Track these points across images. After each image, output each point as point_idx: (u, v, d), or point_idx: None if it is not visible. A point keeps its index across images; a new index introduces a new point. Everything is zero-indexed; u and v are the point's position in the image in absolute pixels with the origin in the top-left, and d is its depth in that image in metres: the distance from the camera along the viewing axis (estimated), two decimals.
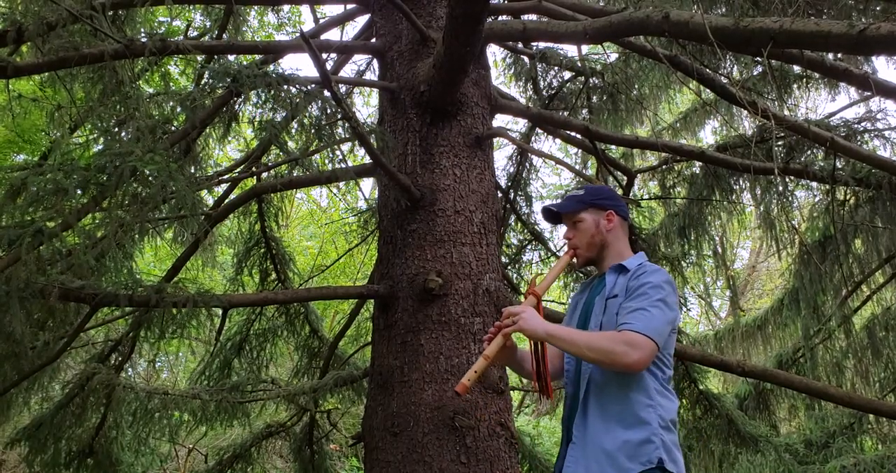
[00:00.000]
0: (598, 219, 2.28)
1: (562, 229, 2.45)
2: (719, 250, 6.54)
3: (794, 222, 5.20)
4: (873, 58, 4.43)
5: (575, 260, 2.33)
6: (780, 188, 4.75)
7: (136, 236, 4.13)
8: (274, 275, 5.31)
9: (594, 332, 2.10)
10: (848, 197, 4.65)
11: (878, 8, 3.80)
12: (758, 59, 4.10)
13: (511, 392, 3.96)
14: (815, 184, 4.71)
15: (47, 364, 4.06)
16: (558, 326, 2.09)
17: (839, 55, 3.82)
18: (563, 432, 2.24)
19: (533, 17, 4.48)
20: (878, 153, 4.32)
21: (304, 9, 10.45)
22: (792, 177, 4.57)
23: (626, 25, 3.21)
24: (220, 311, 4.03)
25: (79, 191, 3.15)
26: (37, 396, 4.94)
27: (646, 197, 6.10)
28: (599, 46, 5.22)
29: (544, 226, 5.69)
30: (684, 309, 6.48)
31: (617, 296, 2.14)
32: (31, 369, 4.01)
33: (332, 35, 5.89)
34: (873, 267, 5.22)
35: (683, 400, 5.25)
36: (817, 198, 5.01)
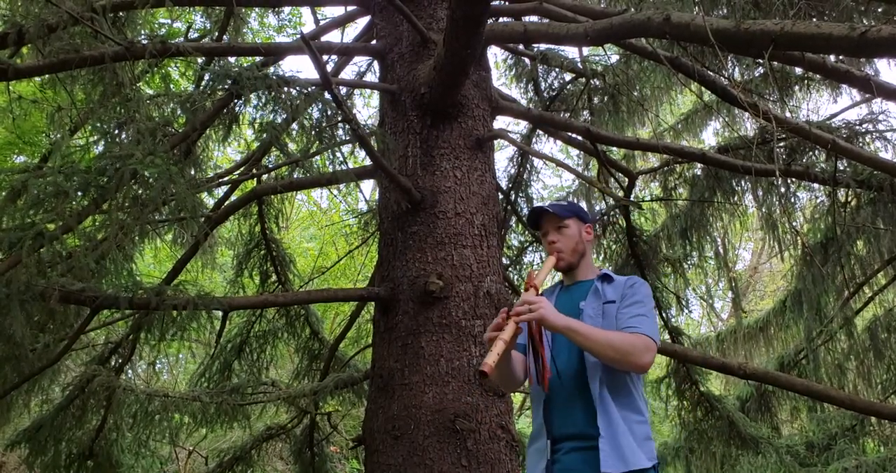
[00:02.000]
0: (581, 228, 2.39)
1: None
2: (721, 251, 6.53)
3: (795, 224, 5.18)
4: (875, 60, 4.42)
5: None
6: (782, 190, 4.74)
7: (137, 238, 4.13)
8: (274, 277, 5.30)
9: (609, 331, 2.13)
10: (849, 198, 4.64)
11: (879, 9, 3.79)
12: (759, 60, 4.10)
13: (512, 394, 3.95)
14: (816, 185, 4.70)
15: (47, 366, 4.05)
16: (576, 320, 2.12)
17: (841, 57, 3.81)
18: (547, 430, 2.19)
19: (534, 18, 4.47)
20: (880, 155, 4.31)
21: (305, 10, 10.46)
22: (793, 179, 4.56)
23: (627, 27, 3.21)
24: (220, 313, 4.03)
25: (79, 194, 3.15)
26: (37, 398, 4.93)
27: (647, 198, 6.09)
28: (600, 48, 5.21)
29: None
30: (686, 310, 6.47)
31: (614, 302, 2.23)
32: (31, 371, 4.00)
33: (333, 37, 5.90)
34: (875, 269, 5.21)
35: (685, 402, 5.24)
36: (819, 200, 5.00)
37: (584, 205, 6.05)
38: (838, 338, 5.68)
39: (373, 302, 4.03)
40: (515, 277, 5.65)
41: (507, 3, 4.53)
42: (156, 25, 6.29)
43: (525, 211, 5.68)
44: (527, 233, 5.72)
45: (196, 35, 5.47)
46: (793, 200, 4.88)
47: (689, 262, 5.56)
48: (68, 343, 3.98)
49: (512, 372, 2.26)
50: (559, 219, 2.36)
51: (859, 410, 4.27)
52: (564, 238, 2.34)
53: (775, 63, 4.07)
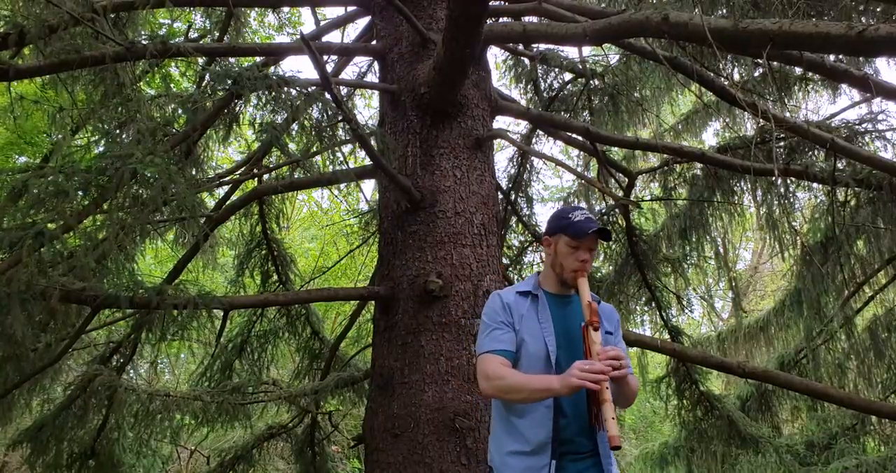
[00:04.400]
0: None
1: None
2: (721, 251, 6.52)
3: (795, 223, 5.18)
4: (874, 59, 4.43)
5: None
6: (781, 190, 4.74)
7: (138, 238, 4.14)
8: (275, 277, 5.31)
9: (634, 379, 2.23)
10: (849, 198, 4.64)
11: (878, 9, 3.80)
12: (758, 60, 4.10)
13: None
14: (816, 185, 4.70)
15: (48, 365, 4.06)
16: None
17: (840, 56, 3.82)
18: (553, 448, 2.16)
19: (533, 18, 4.48)
20: (880, 154, 4.31)
21: (305, 11, 10.47)
22: (793, 179, 4.57)
23: (625, 27, 3.22)
24: (221, 313, 4.04)
25: (80, 194, 3.16)
26: (38, 398, 4.95)
27: (647, 198, 6.09)
28: (600, 48, 5.21)
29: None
30: (686, 310, 6.47)
31: (612, 334, 2.33)
32: (32, 371, 4.02)
33: (333, 37, 5.91)
34: (875, 268, 5.20)
35: (684, 401, 5.25)
36: (819, 200, 5.00)
37: (583, 205, 6.06)
38: (838, 338, 5.67)
39: (373, 302, 4.04)
40: (515, 277, 5.66)
41: (506, 4, 4.54)
42: (156, 26, 6.30)
43: (525, 210, 5.68)
44: (527, 232, 5.73)
45: (196, 35, 5.48)
46: (792, 200, 4.88)
47: (688, 262, 5.57)
48: (69, 342, 4.00)
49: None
50: (597, 242, 2.32)
51: (858, 409, 4.27)
52: (591, 261, 2.31)
53: (774, 63, 4.08)
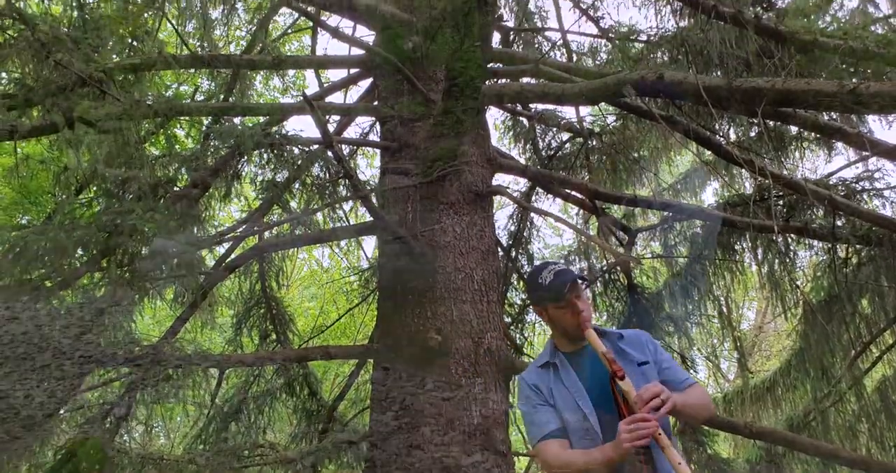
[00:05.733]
0: None
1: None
2: (724, 310, 6.46)
3: (798, 281, 5.15)
4: (867, 118, 4.50)
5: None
6: (782, 247, 4.73)
7: (136, 296, 4.10)
8: (274, 336, 5.24)
9: (695, 392, 2.14)
10: (850, 255, 4.63)
11: (868, 70, 3.88)
12: (753, 120, 4.17)
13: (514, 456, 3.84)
14: (817, 243, 4.69)
15: (38, 427, 3.95)
16: (679, 395, 2.08)
17: (834, 115, 3.88)
18: None
19: (531, 79, 4.59)
20: (879, 212, 4.32)
21: (310, 74, 10.76)
22: (793, 236, 4.57)
23: (621, 86, 3.28)
24: (217, 373, 3.97)
25: (79, 251, 3.16)
26: (27, 463, 4.79)
27: (648, 256, 6.09)
28: (597, 108, 5.31)
29: None
30: (691, 371, 6.36)
31: (648, 363, 2.21)
32: (18, 433, 3.90)
33: (337, 98, 6.04)
34: (881, 328, 5.12)
35: (691, 465, 5.08)
36: (822, 259, 4.97)
37: (584, 264, 6.04)
38: (847, 400, 5.54)
39: (372, 361, 3.97)
40: (517, 336, 5.58)
41: (504, 66, 4.66)
42: (164, 88, 6.45)
43: (526, 267, 5.66)
44: None
45: (202, 97, 5.61)
46: (793, 257, 4.86)
47: (692, 321, 5.50)
48: (59, 403, 3.90)
49: None
50: (579, 286, 2.28)
51: (873, 471, 4.12)
52: (586, 305, 2.26)
53: (770, 121, 4.15)
